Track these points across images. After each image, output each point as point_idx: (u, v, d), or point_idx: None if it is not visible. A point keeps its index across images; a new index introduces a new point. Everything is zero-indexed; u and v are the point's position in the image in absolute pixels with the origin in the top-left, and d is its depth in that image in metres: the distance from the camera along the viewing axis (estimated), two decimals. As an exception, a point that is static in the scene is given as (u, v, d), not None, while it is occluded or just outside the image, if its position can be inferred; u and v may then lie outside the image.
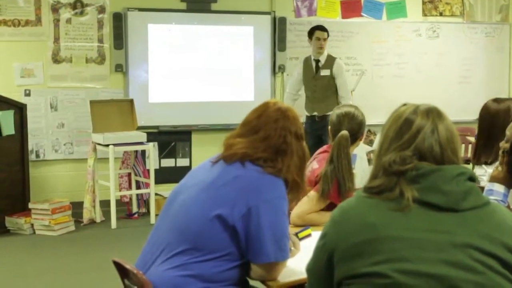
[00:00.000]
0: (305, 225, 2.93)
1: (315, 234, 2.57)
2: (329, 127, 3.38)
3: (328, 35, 7.17)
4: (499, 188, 2.66)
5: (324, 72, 7.14)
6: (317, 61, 7.19)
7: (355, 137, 3.31)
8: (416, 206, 1.67)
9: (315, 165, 3.29)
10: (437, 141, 1.73)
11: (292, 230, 2.68)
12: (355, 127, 3.31)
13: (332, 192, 3.16)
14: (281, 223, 2.38)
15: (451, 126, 1.78)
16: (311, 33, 7.17)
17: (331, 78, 7.12)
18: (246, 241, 2.34)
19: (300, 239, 2.66)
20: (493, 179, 2.70)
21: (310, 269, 1.86)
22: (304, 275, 1.94)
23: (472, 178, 1.72)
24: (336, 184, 3.14)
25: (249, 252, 2.35)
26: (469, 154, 7.81)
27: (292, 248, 2.54)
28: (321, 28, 7.17)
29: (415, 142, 1.73)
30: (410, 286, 1.60)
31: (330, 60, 7.18)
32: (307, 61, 7.28)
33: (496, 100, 3.79)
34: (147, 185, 6.90)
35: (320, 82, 7.15)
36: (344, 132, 3.20)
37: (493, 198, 2.61)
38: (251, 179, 2.39)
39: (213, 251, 2.33)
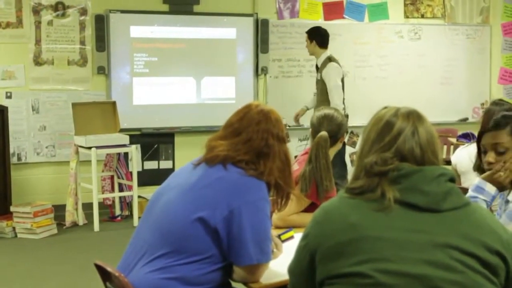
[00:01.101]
0: (287, 227, 2.93)
1: (298, 236, 2.58)
2: (310, 129, 3.42)
3: (309, 38, 6.92)
4: (491, 189, 2.66)
5: (318, 76, 6.95)
6: (317, 64, 7.01)
7: (335, 138, 3.36)
8: (397, 207, 1.68)
9: (295, 166, 3.31)
10: (417, 143, 1.76)
11: (274, 232, 2.68)
12: (335, 128, 3.35)
13: (311, 192, 3.18)
14: (263, 225, 2.38)
15: (431, 128, 1.81)
16: None
17: (323, 82, 6.82)
18: (228, 243, 2.33)
19: (283, 241, 2.66)
20: (490, 180, 2.67)
21: (292, 269, 1.87)
22: (286, 276, 1.95)
23: (453, 179, 1.75)
24: (314, 184, 3.17)
25: (231, 254, 2.35)
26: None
27: (275, 250, 2.55)
28: None
29: (396, 144, 1.76)
30: (391, 286, 1.61)
31: (325, 63, 6.89)
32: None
33: None
34: (130, 188, 6.88)
35: (318, 86, 6.94)
36: (323, 133, 3.24)
37: (481, 198, 2.62)
38: (233, 181, 2.38)
39: (195, 254, 2.32)
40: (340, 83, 6.82)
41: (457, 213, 1.70)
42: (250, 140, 2.48)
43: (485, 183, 2.68)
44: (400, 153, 1.74)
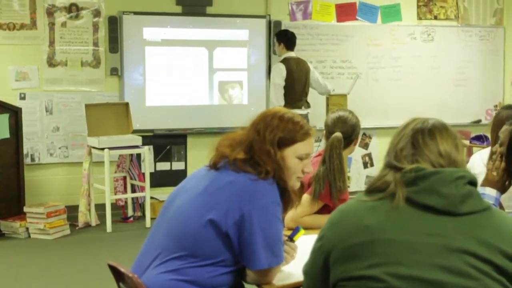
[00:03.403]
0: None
1: (309, 238, 2.57)
2: (324, 130, 3.42)
3: (277, 40, 7.22)
4: (491, 192, 2.66)
5: None
6: None
7: (349, 140, 3.36)
8: (413, 209, 1.67)
9: (309, 168, 3.31)
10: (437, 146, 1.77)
11: (285, 234, 2.66)
12: (349, 130, 3.36)
13: (324, 193, 3.18)
14: (274, 229, 2.36)
15: (453, 134, 1.81)
16: None
17: None
18: (239, 248, 2.32)
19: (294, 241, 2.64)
20: (486, 182, 2.70)
21: (307, 271, 1.87)
22: (299, 278, 1.94)
23: (473, 182, 1.72)
24: (328, 184, 3.17)
25: (243, 259, 2.34)
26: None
27: (287, 255, 2.52)
28: None
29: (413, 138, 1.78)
30: (403, 290, 1.59)
31: None
32: None
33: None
34: (142, 189, 6.90)
35: None
36: (337, 134, 3.24)
37: None
38: (244, 185, 2.36)
39: (208, 258, 2.32)
40: (280, 83, 7.04)
41: (475, 218, 1.67)
42: (246, 140, 2.47)
43: (484, 188, 2.67)
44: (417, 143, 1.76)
